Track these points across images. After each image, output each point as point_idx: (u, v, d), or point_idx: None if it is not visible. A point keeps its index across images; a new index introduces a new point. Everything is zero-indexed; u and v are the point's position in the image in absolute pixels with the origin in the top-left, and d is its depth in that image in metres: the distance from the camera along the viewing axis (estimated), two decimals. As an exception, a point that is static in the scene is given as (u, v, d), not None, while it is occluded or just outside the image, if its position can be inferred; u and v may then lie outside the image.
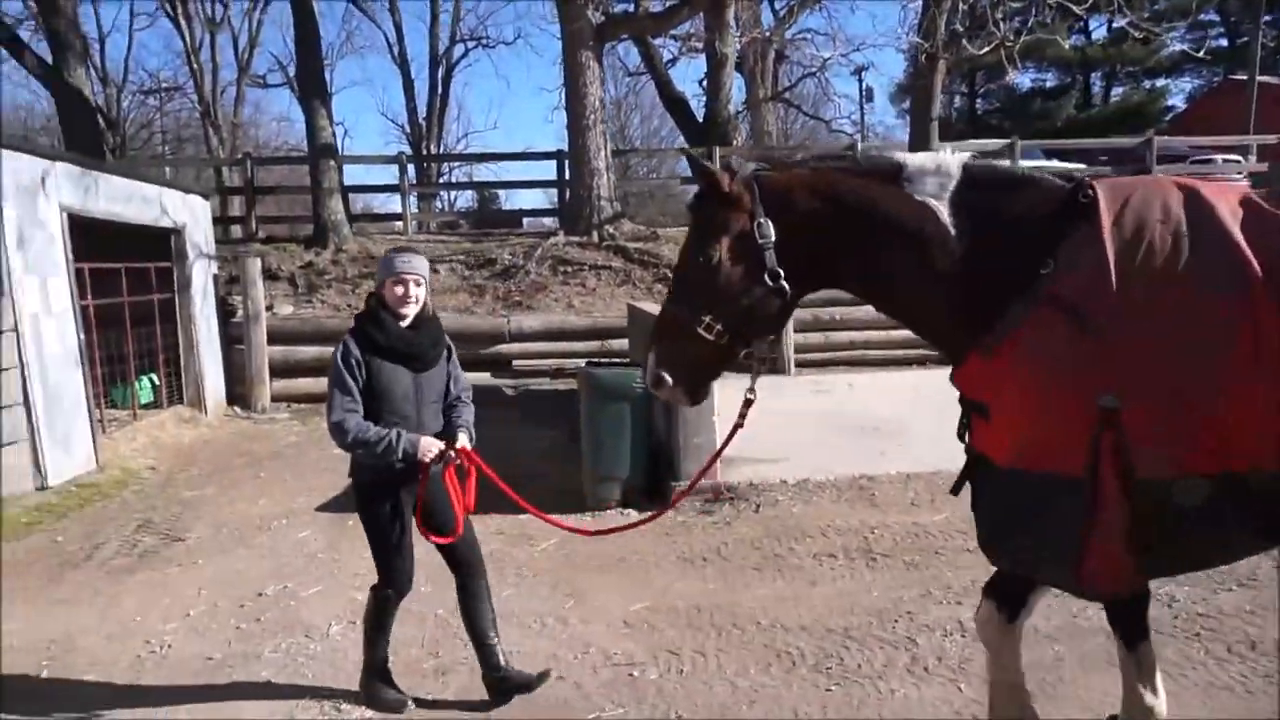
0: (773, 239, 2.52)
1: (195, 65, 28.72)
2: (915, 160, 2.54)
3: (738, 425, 2.83)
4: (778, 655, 4.16)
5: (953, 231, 2.45)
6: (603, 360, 7.12)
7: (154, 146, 33.32)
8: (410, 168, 17.26)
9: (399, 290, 3.59)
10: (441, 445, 3.57)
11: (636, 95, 36.33)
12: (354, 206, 16.84)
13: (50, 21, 15.00)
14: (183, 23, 27.95)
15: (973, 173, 2.52)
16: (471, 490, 3.66)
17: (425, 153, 28.99)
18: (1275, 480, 2.18)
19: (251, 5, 30.40)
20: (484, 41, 34.51)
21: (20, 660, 4.51)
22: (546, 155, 16.73)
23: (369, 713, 3.84)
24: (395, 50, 33.31)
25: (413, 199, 18.57)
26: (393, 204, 23.53)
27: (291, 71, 30.74)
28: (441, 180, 32.35)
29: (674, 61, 19.63)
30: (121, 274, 9.87)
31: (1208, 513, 2.22)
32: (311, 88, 14.77)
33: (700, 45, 17.74)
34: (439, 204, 31.39)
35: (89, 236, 9.07)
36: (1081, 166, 17.32)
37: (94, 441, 8.74)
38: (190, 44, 28.23)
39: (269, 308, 12.33)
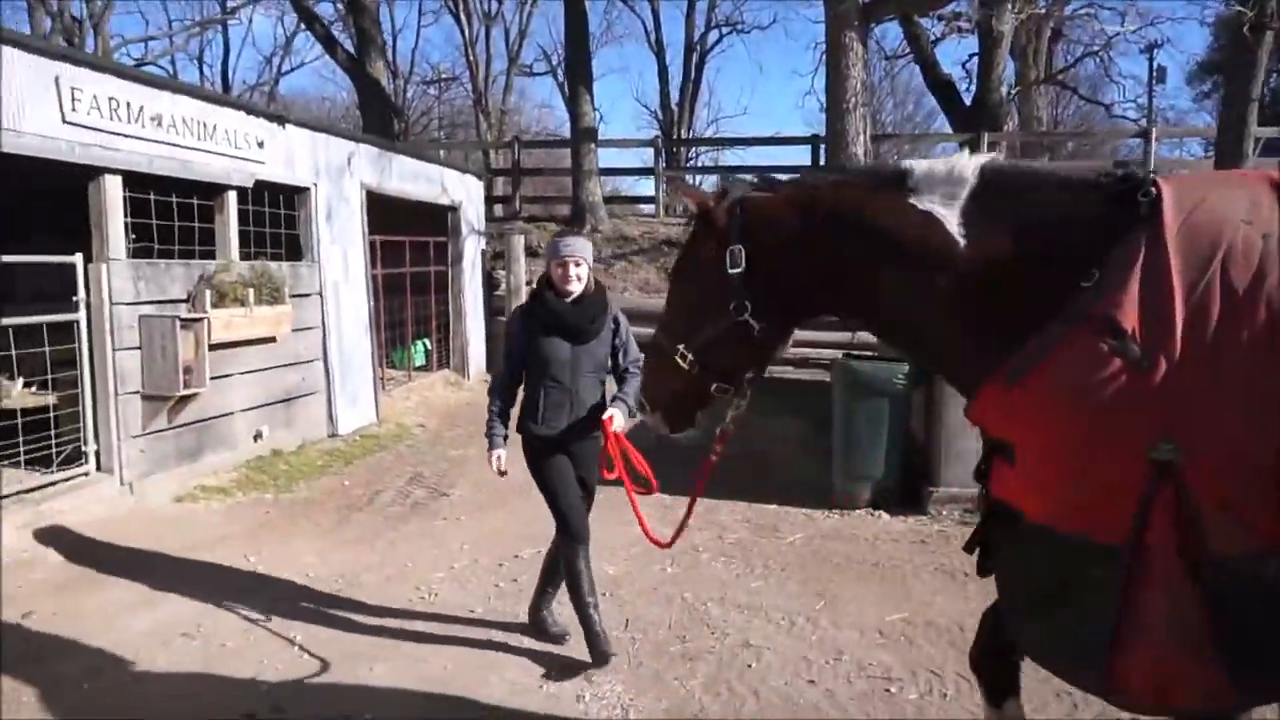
0: (741, 268, 2.25)
1: (471, 57, 30.89)
2: (923, 166, 2.15)
3: (710, 460, 2.69)
4: (1057, 695, 3.75)
5: (961, 244, 2.03)
6: (859, 353, 6.79)
7: (431, 132, 36.24)
8: (662, 152, 17.53)
9: (560, 271, 3.95)
10: (499, 462, 4.11)
11: (892, 79, 34.87)
12: (605, 189, 17.41)
13: (357, 19, 16.74)
14: (463, 18, 30.14)
15: (995, 175, 2.08)
16: (618, 461, 3.79)
17: (675, 138, 29.47)
18: None
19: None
20: (739, 27, 34.46)
21: (318, 586, 5.01)
22: (801, 140, 16.41)
23: (619, 685, 3.88)
24: (652, 37, 34.04)
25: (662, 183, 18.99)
26: (641, 187, 24.04)
27: (555, 60, 32.42)
28: (690, 165, 32.83)
29: (938, 41, 18.52)
30: (406, 246, 10.77)
31: None
32: (577, 74, 15.39)
33: (968, 24, 16.60)
34: (686, 189, 31.66)
35: (375, 211, 9.97)
36: None
37: (375, 398, 9.63)
38: (468, 37, 30.40)
39: (528, 283, 13.00)
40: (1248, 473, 1.68)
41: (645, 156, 30.40)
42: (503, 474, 4.14)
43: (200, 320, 6.63)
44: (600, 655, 3.99)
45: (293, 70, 32.02)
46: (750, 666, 4.05)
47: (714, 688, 3.88)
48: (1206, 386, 1.70)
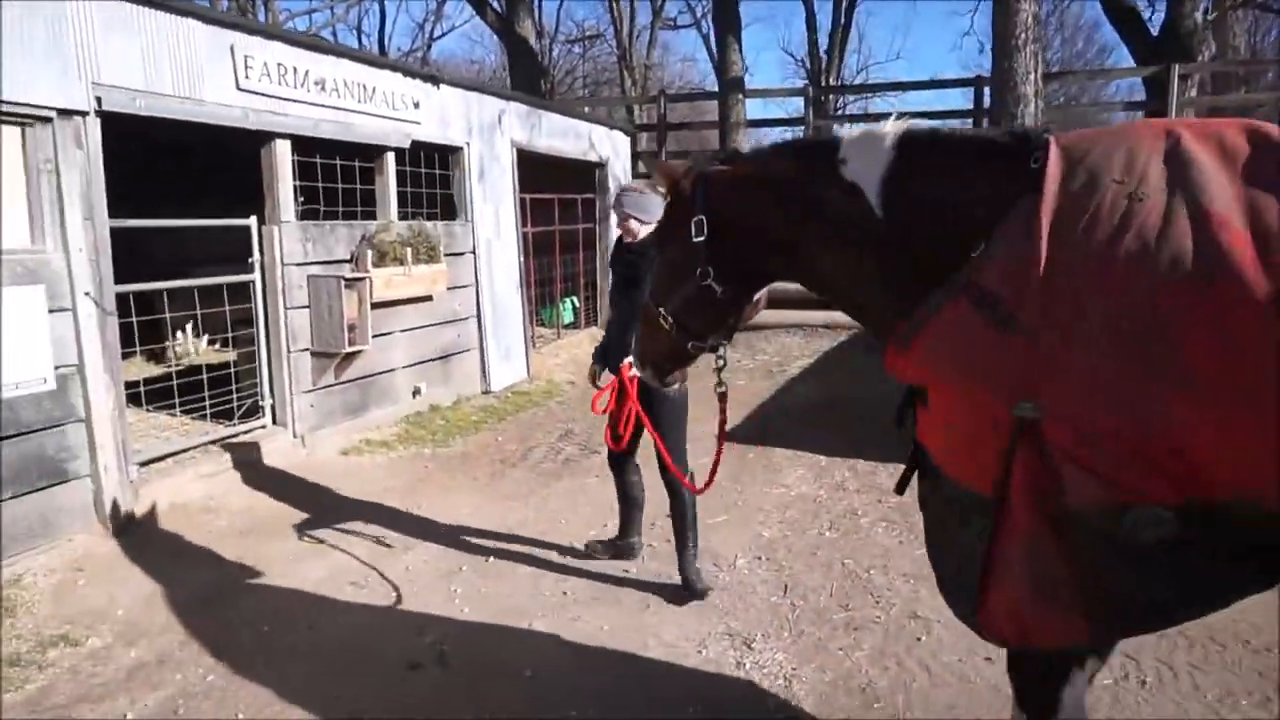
0: (705, 236, 2.41)
1: (616, 12, 30.77)
2: (852, 135, 2.22)
3: (722, 420, 3.06)
4: (1280, 689, 3.33)
5: (879, 213, 2.10)
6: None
7: (576, 91, 36.46)
8: (812, 101, 16.86)
9: (618, 225, 4.37)
10: (598, 372, 4.53)
11: (1060, 14, 32.30)
12: (752, 141, 16.95)
13: (505, -23, 16.89)
14: (607, -29, 30.02)
15: (914, 143, 2.11)
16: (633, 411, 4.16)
17: (825, 85, 28.40)
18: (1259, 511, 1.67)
19: (668, -52, 31.68)
20: (893, -34, 32.76)
21: (475, 540, 5.11)
22: (963, 82, 15.39)
23: (780, 653, 3.74)
24: (800, -17, 32.83)
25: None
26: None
27: (700, 13, 31.80)
28: (839, 114, 31.63)
29: (1121, -34, 16.83)
30: (554, 204, 10.82)
31: (1168, 550, 1.76)
32: (725, 23, 14.97)
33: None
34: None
35: (524, 169, 10.03)
36: None
37: (527, 355, 9.77)
38: (613, -9, 30.27)
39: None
40: (1100, 431, 1.75)
41: (790, 107, 29.54)
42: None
43: (363, 279, 6.85)
44: (700, 592, 4.30)
45: (444, 35, 32.98)
46: (919, 640, 3.82)
47: (881, 660, 3.68)
48: (1063, 349, 1.76)
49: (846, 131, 2.25)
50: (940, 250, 1.98)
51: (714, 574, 4.55)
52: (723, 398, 2.92)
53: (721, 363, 2.77)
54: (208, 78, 5.69)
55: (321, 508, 5.74)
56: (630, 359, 3.77)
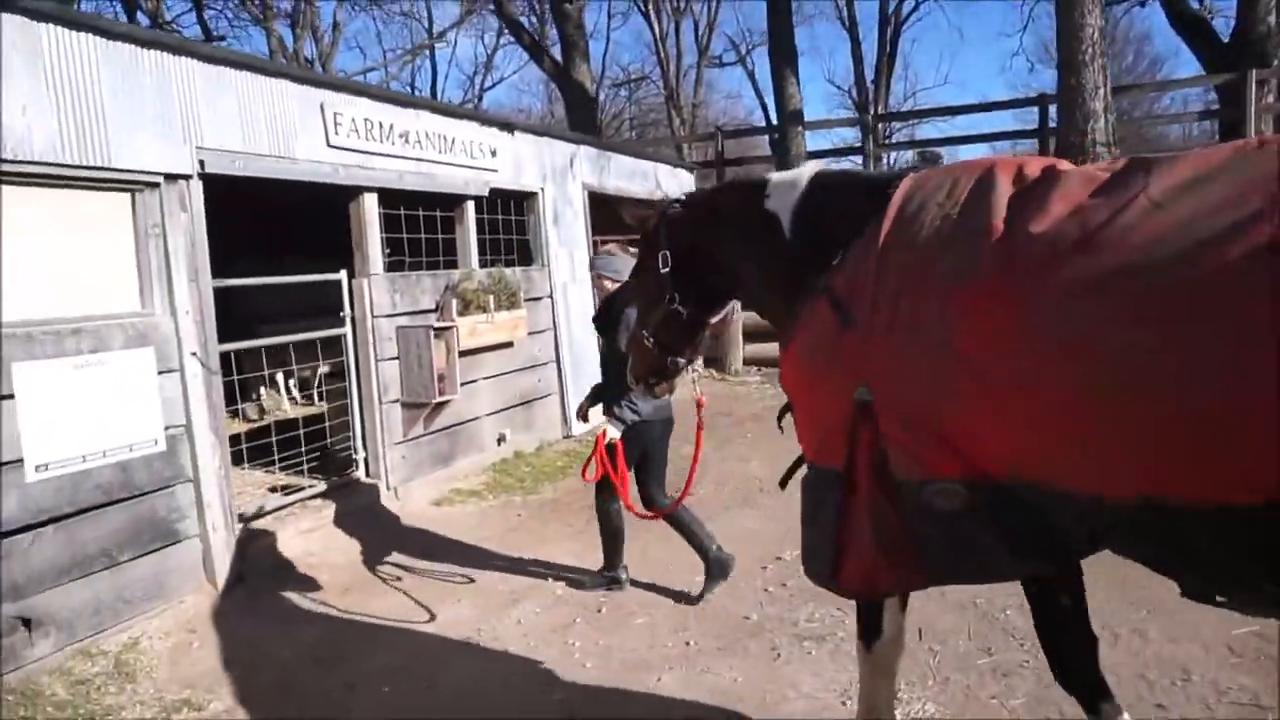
0: (669, 267, 2.90)
1: (662, 53, 31.12)
2: (778, 175, 2.70)
3: (700, 427, 4.20)
4: None
5: (789, 237, 2.55)
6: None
7: (623, 133, 36.86)
8: (871, 130, 16.71)
9: (594, 283, 5.27)
10: (587, 407, 5.22)
11: (1113, 29, 31.82)
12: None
13: (561, 26, 17.15)
14: (652, 15, 30.41)
15: (819, 181, 2.59)
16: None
17: (876, 113, 28.25)
18: (1037, 491, 1.94)
19: (712, -11, 32.07)
20: (939, -7, 32.70)
21: (580, 590, 4.97)
22: (1027, 102, 15.14)
23: (930, 703, 3.52)
24: (845, 14, 32.90)
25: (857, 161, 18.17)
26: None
27: (744, 49, 32.01)
28: (888, 141, 31.40)
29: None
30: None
31: (958, 519, 2.08)
32: (782, 56, 14.96)
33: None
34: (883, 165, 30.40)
35: (594, 211, 10.03)
36: None
37: (605, 397, 9.69)
38: (658, 33, 30.63)
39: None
40: (909, 415, 2.06)
41: (836, 137, 29.48)
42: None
43: (450, 328, 6.85)
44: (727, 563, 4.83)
45: (493, 86, 33.66)
46: (1078, 687, 3.56)
47: (1040, 709, 3.44)
48: (884, 343, 2.08)
49: (772, 175, 2.73)
50: (817, 265, 2.36)
51: (840, 619, 4.35)
52: (699, 405, 4.08)
53: (695, 374, 3.26)
54: (300, 136, 5.77)
55: (422, 561, 5.67)
56: (608, 429, 4.53)
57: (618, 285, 4.75)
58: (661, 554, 5.53)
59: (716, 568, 4.80)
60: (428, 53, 31.98)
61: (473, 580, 5.27)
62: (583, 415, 5.17)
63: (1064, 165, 2.06)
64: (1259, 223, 1.59)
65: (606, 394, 4.82)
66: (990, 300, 1.91)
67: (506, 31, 22.76)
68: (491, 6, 22.19)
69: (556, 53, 17.43)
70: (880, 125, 27.61)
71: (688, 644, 4.23)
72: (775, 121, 15.46)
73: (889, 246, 2.15)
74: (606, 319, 4.83)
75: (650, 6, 29.96)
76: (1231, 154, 1.75)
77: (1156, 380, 1.66)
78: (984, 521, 2.05)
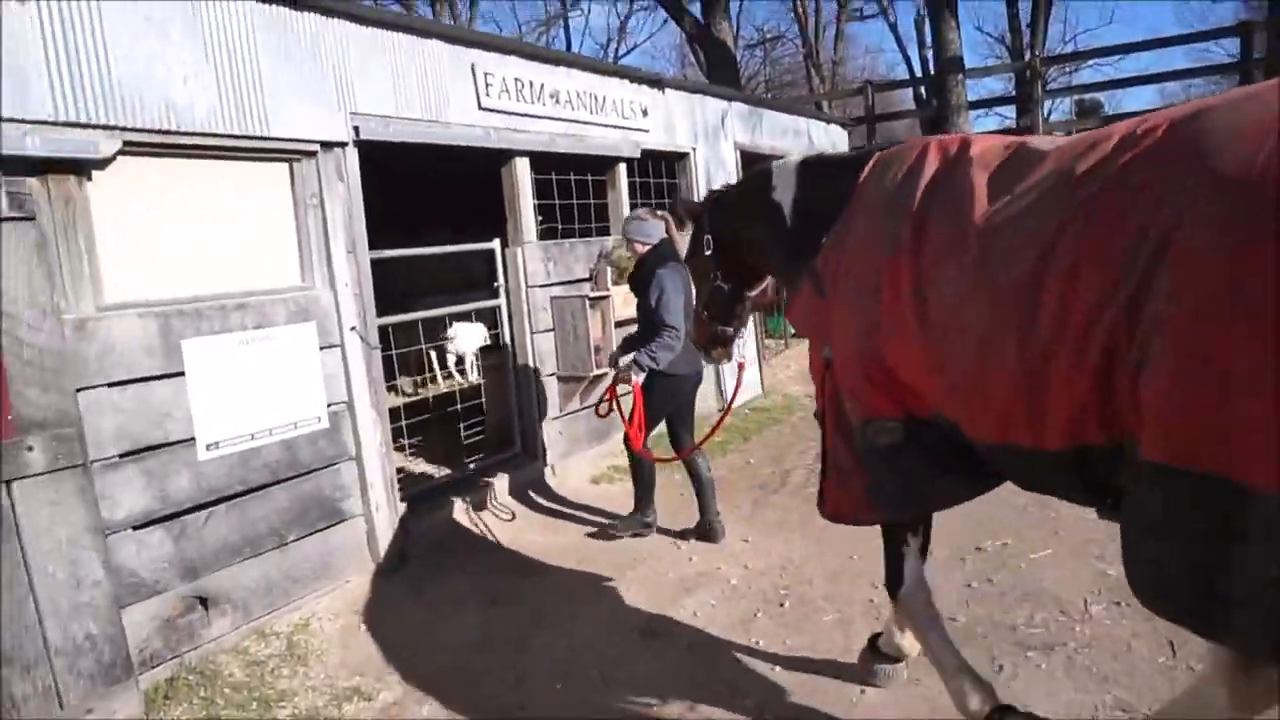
0: (712, 249, 3.42)
1: (800, 10, 29.86)
2: (778, 166, 3.09)
3: (737, 385, 5.01)
4: None
5: (789, 224, 2.97)
6: None
7: (761, 95, 35.82)
8: (1040, 76, 15.25)
9: (626, 248, 5.43)
10: (616, 358, 5.42)
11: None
12: (969, 126, 15.61)
13: (701, -19, 16.51)
14: (788, -31, 29.17)
15: (807, 168, 2.99)
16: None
17: (1040, 56, 26.12)
18: (956, 428, 2.26)
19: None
20: (1103, -77, 29.87)
21: (761, 583, 4.57)
22: (1225, 32, 13.44)
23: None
24: (997, -46, 30.65)
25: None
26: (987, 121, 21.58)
27: (886, 1, 30.29)
28: (1047, 89, 29.02)
29: None
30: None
31: (899, 452, 2.52)
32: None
33: None
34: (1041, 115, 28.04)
35: (746, 171, 9.50)
36: None
37: (760, 368, 9.20)
38: (796, -12, 29.38)
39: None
40: (853, 367, 2.53)
41: (983, 89, 27.56)
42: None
43: (605, 298, 6.52)
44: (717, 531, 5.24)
45: (628, 54, 33.23)
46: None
47: None
48: (839, 308, 2.57)
49: (776, 164, 3.09)
50: (817, 229, 2.74)
51: (1067, 624, 3.77)
52: (740, 367, 4.58)
53: (740, 340, 3.78)
54: (451, 99, 5.52)
55: (585, 543, 5.41)
56: (631, 374, 4.94)
57: (648, 248, 5.15)
58: (840, 539, 5.04)
59: (705, 530, 5.24)
60: (562, 23, 31.88)
61: (639, 566, 4.96)
62: (613, 363, 5.41)
63: (975, 150, 2.31)
64: (1057, 227, 1.91)
65: (637, 345, 5.09)
66: (899, 273, 2.29)
67: (641, -5, 22.24)
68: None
69: (696, 10, 16.79)
70: (1044, 70, 25.51)
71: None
72: (931, 71, 14.34)
73: (850, 229, 2.56)
74: (638, 279, 5.18)
75: (787, -41, 28.71)
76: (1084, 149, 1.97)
77: (999, 353, 2.02)
78: (918, 453, 2.49)
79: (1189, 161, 1.67)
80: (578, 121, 6.61)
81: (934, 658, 2.96)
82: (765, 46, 35.92)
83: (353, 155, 4.86)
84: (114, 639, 3.69)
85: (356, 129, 4.83)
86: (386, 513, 5.03)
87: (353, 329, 4.84)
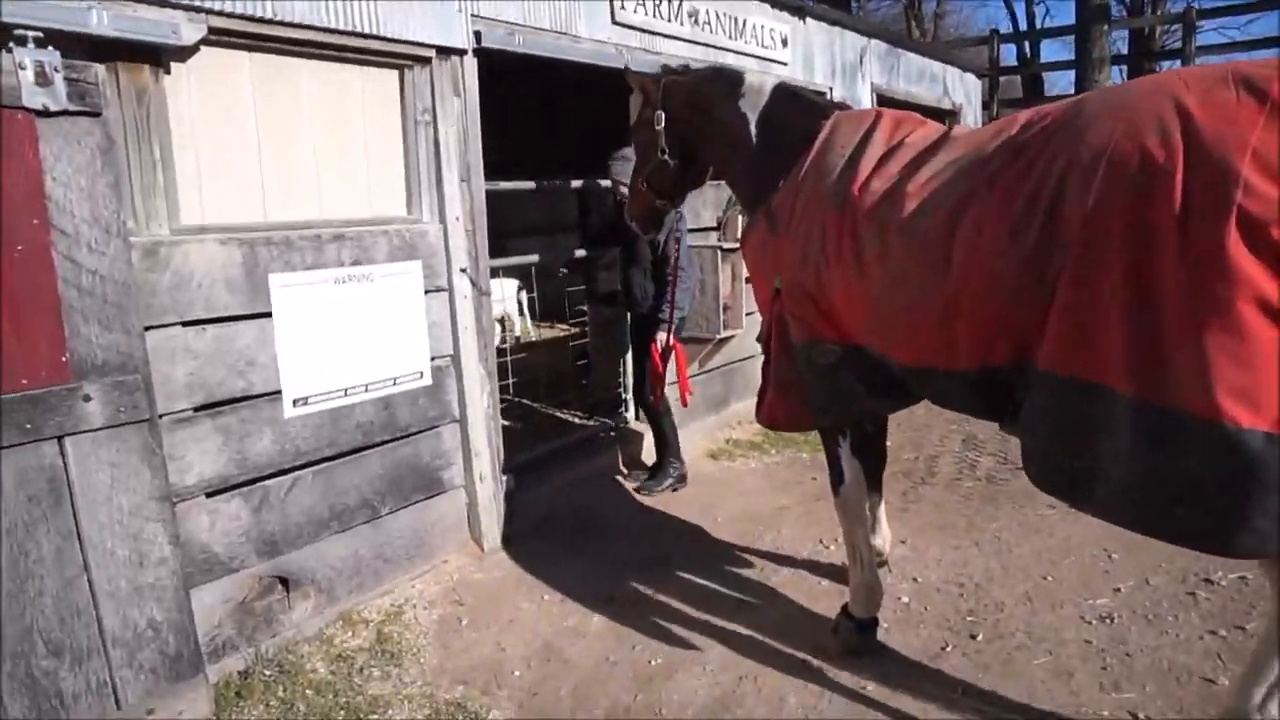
0: (662, 125, 3.57)
1: (906, -42, 28.07)
2: (750, 78, 3.38)
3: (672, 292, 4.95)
4: None
5: (754, 140, 3.29)
6: None
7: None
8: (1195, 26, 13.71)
9: (611, 187, 5.11)
10: None
11: None
12: (1113, 80, 14.17)
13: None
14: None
15: (779, 94, 3.31)
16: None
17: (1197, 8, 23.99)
18: (882, 357, 2.74)
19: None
20: None
21: (934, 599, 3.77)
22: None
23: None
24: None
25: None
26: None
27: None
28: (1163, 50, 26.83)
29: None
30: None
31: (836, 370, 2.99)
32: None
33: None
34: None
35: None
36: None
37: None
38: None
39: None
40: (798, 294, 2.97)
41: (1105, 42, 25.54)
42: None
43: (737, 249, 5.71)
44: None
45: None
46: None
47: None
48: (789, 243, 2.97)
49: (749, 75, 3.43)
50: (774, 173, 3.14)
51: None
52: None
53: (680, 219, 4.78)
54: (583, 11, 4.72)
55: (711, 536, 4.67)
56: (659, 335, 4.92)
57: None
58: (1026, 552, 4.21)
59: (670, 473, 5.19)
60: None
61: (783, 569, 4.20)
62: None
63: (915, 135, 2.78)
64: (965, 198, 2.37)
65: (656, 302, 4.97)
66: (842, 226, 2.72)
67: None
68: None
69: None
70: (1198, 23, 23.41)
71: (1132, 715, 2.94)
72: (1035, 26, 12.91)
73: (806, 176, 2.95)
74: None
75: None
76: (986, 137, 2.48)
77: (912, 288, 2.48)
78: (851, 372, 2.97)
79: (1070, 140, 2.13)
80: (714, 47, 5.76)
81: (853, 550, 3.34)
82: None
83: (471, 66, 4.12)
84: (181, 626, 3.07)
85: (478, 34, 4.09)
86: (491, 485, 4.36)
87: (463, 271, 4.14)
